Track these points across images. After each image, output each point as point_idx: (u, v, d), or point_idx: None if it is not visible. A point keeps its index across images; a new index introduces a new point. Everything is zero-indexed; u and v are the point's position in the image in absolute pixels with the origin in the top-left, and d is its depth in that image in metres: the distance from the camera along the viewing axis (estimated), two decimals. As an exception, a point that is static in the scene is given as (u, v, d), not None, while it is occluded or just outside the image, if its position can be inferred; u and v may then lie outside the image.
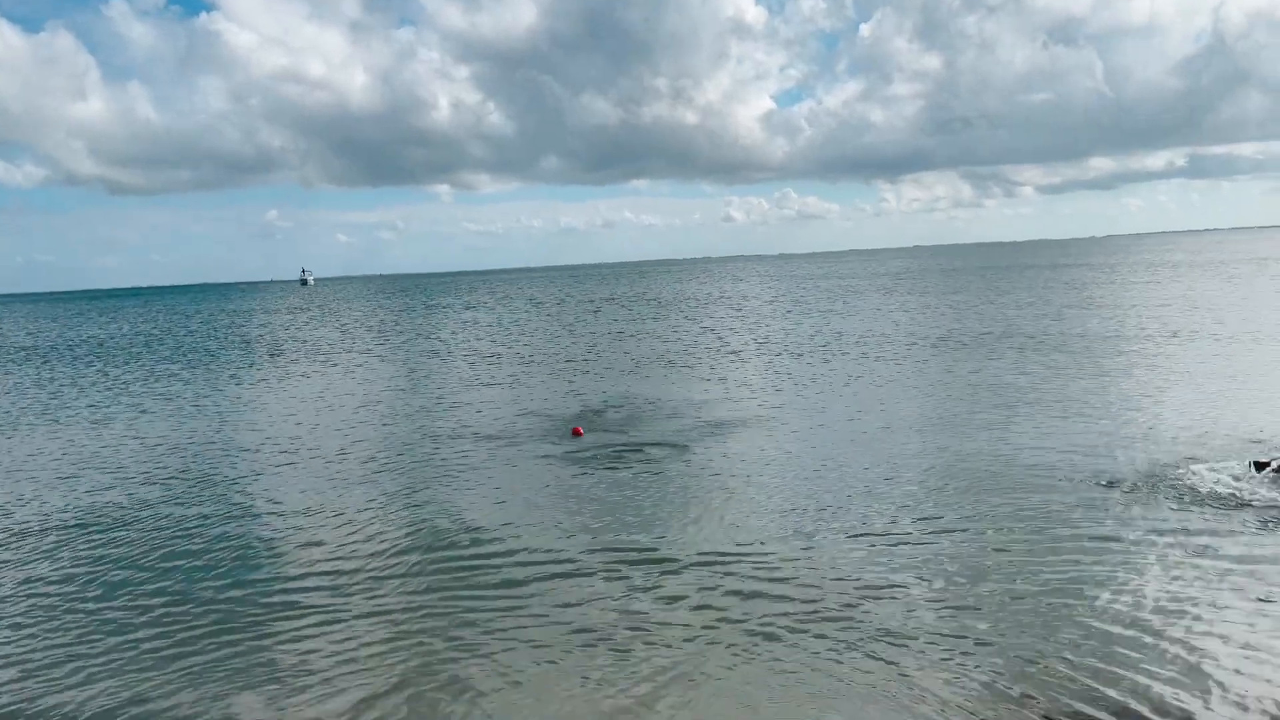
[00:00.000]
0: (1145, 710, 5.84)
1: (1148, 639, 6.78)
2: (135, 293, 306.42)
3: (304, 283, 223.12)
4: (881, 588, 8.17)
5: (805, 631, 7.41)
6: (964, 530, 9.55)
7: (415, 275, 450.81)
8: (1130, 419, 14.57)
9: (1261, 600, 7.32)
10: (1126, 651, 6.62)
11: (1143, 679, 6.21)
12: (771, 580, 8.58)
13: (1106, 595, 7.58)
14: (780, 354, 26.78)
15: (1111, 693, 6.05)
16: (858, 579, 8.41)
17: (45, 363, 37.61)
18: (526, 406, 19.59)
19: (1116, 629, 6.97)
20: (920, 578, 8.34)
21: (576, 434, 15.94)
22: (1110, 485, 10.76)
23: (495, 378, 24.86)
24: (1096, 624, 7.07)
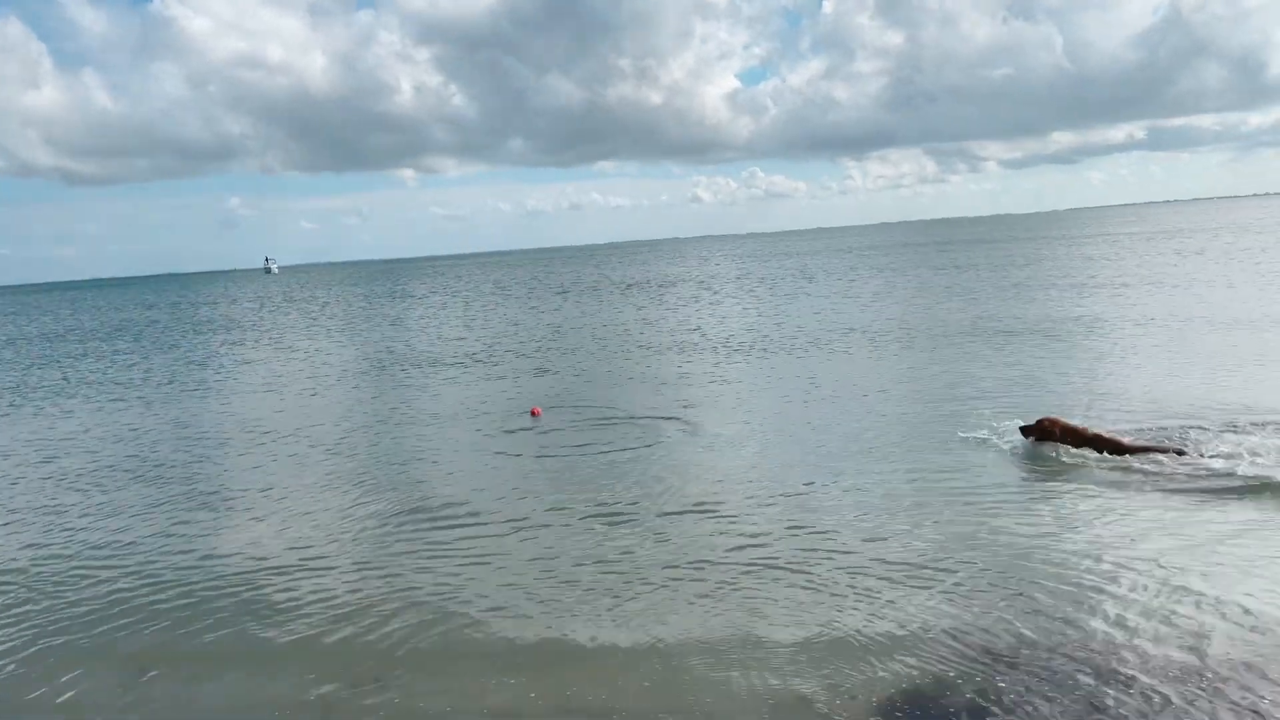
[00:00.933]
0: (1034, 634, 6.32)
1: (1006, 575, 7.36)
2: (95, 284, 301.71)
3: (268, 271, 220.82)
4: (826, 535, 8.79)
5: (755, 573, 7.99)
6: (891, 487, 10.05)
7: (381, 261, 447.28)
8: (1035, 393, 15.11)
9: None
10: (1007, 589, 7.19)
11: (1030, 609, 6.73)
12: (731, 531, 9.16)
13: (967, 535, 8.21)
14: (742, 333, 27.17)
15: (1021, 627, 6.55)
16: (808, 528, 9.07)
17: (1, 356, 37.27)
18: (487, 389, 19.86)
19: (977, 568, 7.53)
20: (850, 525, 8.89)
21: (534, 414, 16.23)
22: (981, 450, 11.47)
23: (457, 362, 25.06)
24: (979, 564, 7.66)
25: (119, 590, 8.91)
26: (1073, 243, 72.16)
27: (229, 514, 11.41)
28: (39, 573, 9.64)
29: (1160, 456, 10.07)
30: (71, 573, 9.56)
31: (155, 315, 63.49)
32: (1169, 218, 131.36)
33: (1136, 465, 10.03)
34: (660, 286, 54.94)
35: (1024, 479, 10.33)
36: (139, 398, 22.22)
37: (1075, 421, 11.21)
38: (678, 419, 15.01)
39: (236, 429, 17.15)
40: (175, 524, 11.06)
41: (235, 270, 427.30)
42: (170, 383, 24.80)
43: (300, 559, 9.42)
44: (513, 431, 15.05)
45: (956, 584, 7.54)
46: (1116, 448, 10.39)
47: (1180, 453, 10.15)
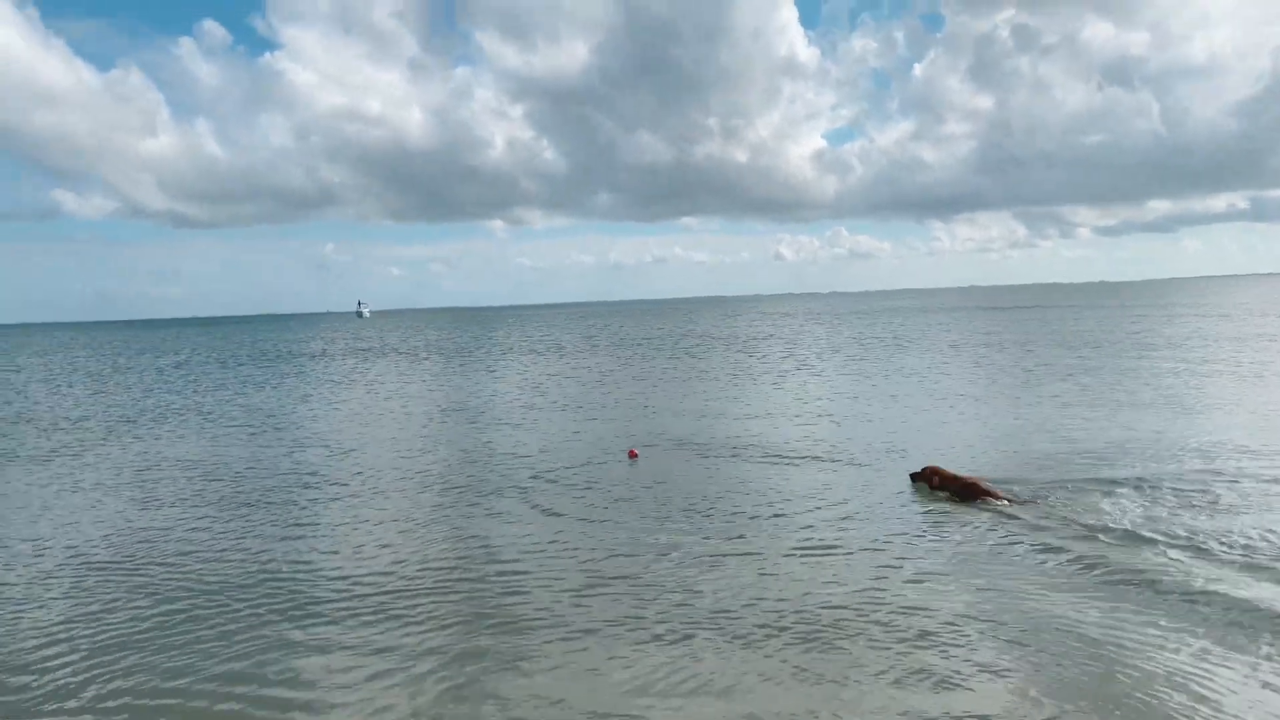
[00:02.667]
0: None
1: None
2: (198, 322, 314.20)
3: (359, 314, 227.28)
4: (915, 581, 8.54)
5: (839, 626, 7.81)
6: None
7: (467, 309, 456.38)
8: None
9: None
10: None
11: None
12: (795, 576, 9.03)
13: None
14: (832, 389, 26.97)
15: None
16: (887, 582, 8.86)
17: (111, 383, 39.06)
18: (582, 431, 20.04)
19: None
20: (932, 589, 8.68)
21: (632, 456, 16.34)
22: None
23: (549, 405, 25.38)
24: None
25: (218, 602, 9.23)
26: (1167, 313, 69.87)
27: (333, 534, 11.73)
28: (150, 587, 10.04)
29: (1003, 503, 11.91)
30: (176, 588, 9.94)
31: (260, 351, 65.76)
32: (1272, 291, 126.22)
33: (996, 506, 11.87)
34: (749, 342, 54.91)
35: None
36: (245, 426, 23.03)
37: (951, 470, 13.07)
38: (773, 465, 14.97)
39: (339, 460, 17.62)
40: (282, 546, 11.41)
41: (329, 313, 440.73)
42: (278, 414, 25.63)
43: (392, 585, 9.62)
44: (612, 471, 15.17)
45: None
46: (978, 491, 12.25)
47: (1021, 501, 11.99)
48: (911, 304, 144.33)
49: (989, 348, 40.37)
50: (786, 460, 15.61)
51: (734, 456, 16.15)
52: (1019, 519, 11.19)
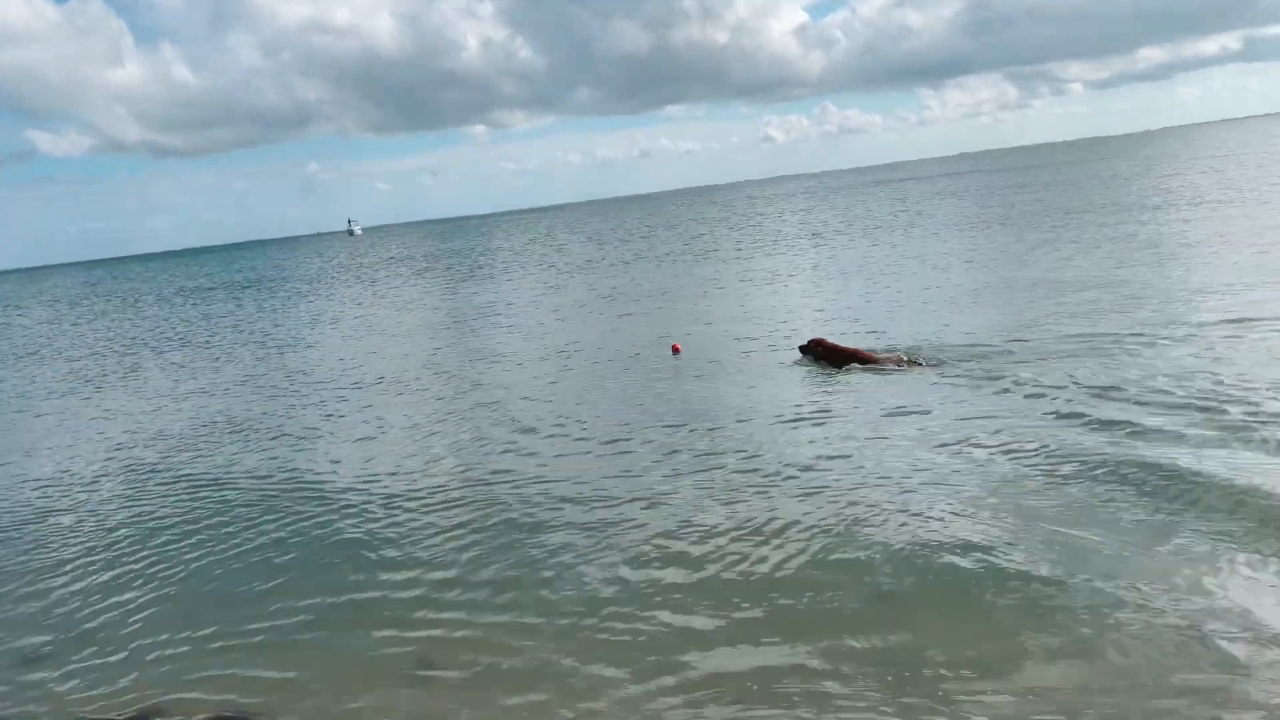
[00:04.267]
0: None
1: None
2: (189, 253, 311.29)
3: (351, 233, 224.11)
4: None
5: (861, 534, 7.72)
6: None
7: (457, 219, 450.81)
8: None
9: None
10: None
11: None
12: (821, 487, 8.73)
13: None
14: (849, 275, 26.74)
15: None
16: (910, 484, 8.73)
17: (119, 320, 38.77)
18: (616, 329, 19.90)
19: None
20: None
21: (675, 350, 16.18)
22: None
23: (572, 305, 25.17)
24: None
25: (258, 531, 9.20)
26: (1168, 167, 68.72)
27: (366, 443, 11.64)
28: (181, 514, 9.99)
29: (892, 364, 13.12)
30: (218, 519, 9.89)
31: (259, 275, 65.09)
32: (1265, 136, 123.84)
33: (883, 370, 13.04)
34: (754, 227, 54.32)
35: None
36: (258, 347, 22.81)
37: (836, 340, 14.17)
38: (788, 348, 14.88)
39: (361, 370, 17.42)
40: (322, 458, 11.34)
41: (320, 234, 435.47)
42: (292, 340, 25.42)
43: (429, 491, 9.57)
44: (660, 367, 15.09)
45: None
46: (866, 359, 13.44)
47: (912, 362, 13.09)
48: (897, 176, 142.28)
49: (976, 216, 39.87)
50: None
51: (775, 349, 16.03)
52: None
